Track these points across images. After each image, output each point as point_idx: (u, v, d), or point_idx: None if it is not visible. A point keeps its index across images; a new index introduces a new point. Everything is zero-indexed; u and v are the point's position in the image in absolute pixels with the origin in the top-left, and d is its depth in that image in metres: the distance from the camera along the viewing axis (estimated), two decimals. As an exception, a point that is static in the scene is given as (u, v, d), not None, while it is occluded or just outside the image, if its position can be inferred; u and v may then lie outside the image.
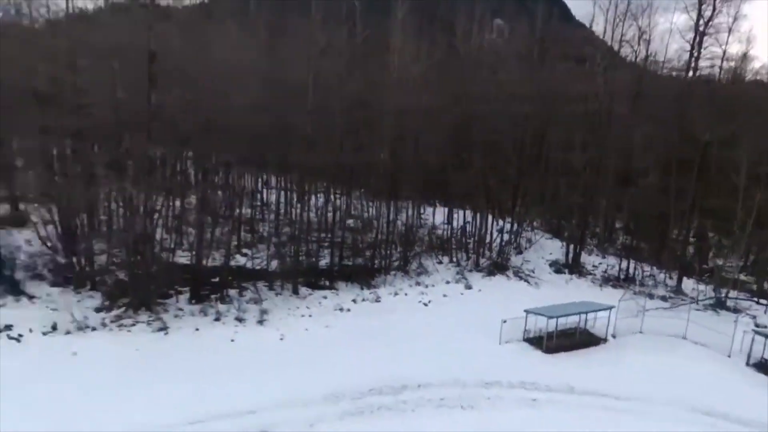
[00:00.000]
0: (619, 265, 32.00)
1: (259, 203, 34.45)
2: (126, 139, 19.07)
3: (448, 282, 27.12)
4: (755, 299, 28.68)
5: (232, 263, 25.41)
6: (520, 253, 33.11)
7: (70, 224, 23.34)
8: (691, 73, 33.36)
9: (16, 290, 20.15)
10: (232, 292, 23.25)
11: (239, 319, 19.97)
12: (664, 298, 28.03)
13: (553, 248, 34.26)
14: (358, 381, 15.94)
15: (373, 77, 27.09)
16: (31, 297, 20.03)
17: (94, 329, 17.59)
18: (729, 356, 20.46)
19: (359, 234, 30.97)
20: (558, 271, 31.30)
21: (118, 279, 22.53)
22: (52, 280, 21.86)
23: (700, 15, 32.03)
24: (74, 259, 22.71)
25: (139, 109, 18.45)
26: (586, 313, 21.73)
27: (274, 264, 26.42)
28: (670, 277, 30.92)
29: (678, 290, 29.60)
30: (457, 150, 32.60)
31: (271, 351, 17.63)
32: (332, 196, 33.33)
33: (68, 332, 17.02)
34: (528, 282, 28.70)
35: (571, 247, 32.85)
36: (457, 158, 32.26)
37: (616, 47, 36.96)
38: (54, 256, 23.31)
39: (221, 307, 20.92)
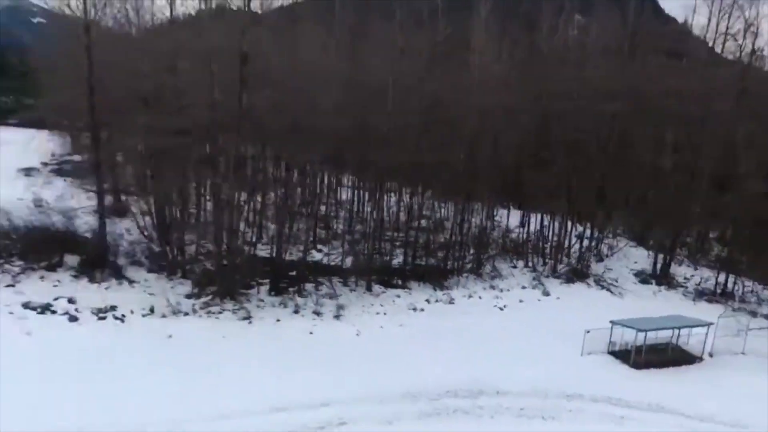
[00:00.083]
0: (716, 278, 29.39)
1: (333, 201, 35.38)
2: (219, 137, 20.14)
3: (524, 287, 26.26)
4: None
5: (308, 258, 26.24)
6: (601, 260, 31.41)
7: (165, 216, 25.18)
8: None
9: (118, 274, 22.00)
10: (309, 286, 23.97)
11: (317, 313, 20.53)
12: (769, 317, 25.45)
13: (638, 257, 32.15)
14: (434, 382, 15.82)
15: (453, 76, 26.77)
16: (131, 281, 21.78)
17: (186, 314, 18.79)
18: None
19: (431, 234, 30.81)
20: (644, 282, 29.30)
21: (205, 268, 24.00)
22: (149, 266, 23.66)
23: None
24: (167, 248, 24.48)
25: (232, 110, 19.43)
26: (680, 328, 20.15)
27: (348, 261, 26.96)
28: (776, 294, 28.02)
29: (786, 309, 26.76)
30: (537, 150, 31.48)
31: (348, 346, 17.93)
32: (406, 196, 33.47)
33: (164, 315, 18.30)
34: (611, 291, 27.14)
35: (660, 256, 30.62)
36: (537, 159, 31.15)
37: (719, 41, 34.01)
38: (150, 244, 25.24)
39: (299, 300, 21.61)
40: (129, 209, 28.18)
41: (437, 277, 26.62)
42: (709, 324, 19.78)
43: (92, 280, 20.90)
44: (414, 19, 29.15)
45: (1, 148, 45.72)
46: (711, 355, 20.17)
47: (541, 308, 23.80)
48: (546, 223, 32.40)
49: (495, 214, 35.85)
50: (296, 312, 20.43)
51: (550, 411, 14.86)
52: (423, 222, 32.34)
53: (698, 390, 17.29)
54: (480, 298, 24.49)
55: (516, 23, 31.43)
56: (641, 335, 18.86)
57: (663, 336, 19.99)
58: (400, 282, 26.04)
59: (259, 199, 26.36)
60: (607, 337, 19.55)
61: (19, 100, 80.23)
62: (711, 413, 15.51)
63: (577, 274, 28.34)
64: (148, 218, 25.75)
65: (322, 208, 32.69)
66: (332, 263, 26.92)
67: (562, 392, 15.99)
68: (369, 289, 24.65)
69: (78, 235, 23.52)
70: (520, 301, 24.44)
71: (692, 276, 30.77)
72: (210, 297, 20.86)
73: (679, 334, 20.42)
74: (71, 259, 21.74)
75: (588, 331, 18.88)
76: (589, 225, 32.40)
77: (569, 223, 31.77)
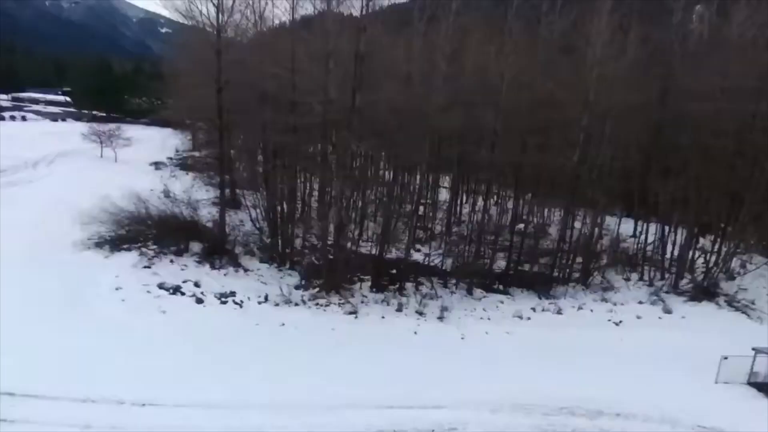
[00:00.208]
0: None
1: (430, 201, 35.18)
2: (332, 135, 20.76)
3: (640, 302, 24.05)
4: None
5: (408, 258, 26.23)
6: (733, 278, 27.89)
7: (275, 209, 26.56)
8: None
9: (235, 263, 23.55)
10: (409, 285, 23.95)
11: (420, 313, 20.40)
12: None
13: (780, 278, 28.08)
14: (546, 396, 14.89)
15: (569, 74, 25.28)
16: (246, 269, 23.21)
17: (296, 305, 19.58)
18: None
19: (535, 239, 29.42)
20: (788, 307, 25.49)
21: (311, 262, 24.95)
22: (260, 256, 25.11)
23: None
24: (277, 241, 25.78)
25: (345, 108, 19.91)
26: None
27: (449, 262, 26.56)
28: None
29: None
30: (661, 154, 28.75)
31: (453, 349, 17.55)
32: (510, 198, 32.35)
33: (277, 304, 19.22)
34: (747, 315, 23.95)
35: (809, 278, 26.52)
36: (660, 163, 28.46)
37: None
38: (261, 236, 26.77)
39: (402, 298, 21.63)
40: (242, 202, 30.23)
41: (541, 284, 25.33)
42: None
43: (213, 266, 22.59)
44: (529, 12, 27.96)
45: (136, 145, 51.66)
46: None
47: (662, 327, 21.58)
48: (665, 233, 29.52)
49: (604, 221, 33.48)
50: (399, 310, 20.44)
51: (682, 443, 13.35)
52: (524, 226, 31.07)
53: None
54: (591, 311, 22.82)
55: (641, 15, 28.82)
56: (793, 368, 16.35)
57: (820, 370, 17.16)
58: (501, 287, 25.19)
59: (363, 196, 26.86)
60: (747, 365, 17.19)
61: (150, 101, 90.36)
62: None
63: (704, 292, 25.34)
64: (259, 211, 27.40)
65: (422, 207, 32.64)
66: (431, 264, 26.71)
67: (694, 423, 14.28)
68: (470, 292, 24.07)
69: (201, 224, 25.60)
70: (638, 317, 22.39)
71: None
72: (317, 290, 21.59)
73: (841, 371, 17.40)
74: (195, 246, 23.68)
75: (725, 357, 16.74)
76: (717, 238, 28.97)
77: (694, 235, 28.61)
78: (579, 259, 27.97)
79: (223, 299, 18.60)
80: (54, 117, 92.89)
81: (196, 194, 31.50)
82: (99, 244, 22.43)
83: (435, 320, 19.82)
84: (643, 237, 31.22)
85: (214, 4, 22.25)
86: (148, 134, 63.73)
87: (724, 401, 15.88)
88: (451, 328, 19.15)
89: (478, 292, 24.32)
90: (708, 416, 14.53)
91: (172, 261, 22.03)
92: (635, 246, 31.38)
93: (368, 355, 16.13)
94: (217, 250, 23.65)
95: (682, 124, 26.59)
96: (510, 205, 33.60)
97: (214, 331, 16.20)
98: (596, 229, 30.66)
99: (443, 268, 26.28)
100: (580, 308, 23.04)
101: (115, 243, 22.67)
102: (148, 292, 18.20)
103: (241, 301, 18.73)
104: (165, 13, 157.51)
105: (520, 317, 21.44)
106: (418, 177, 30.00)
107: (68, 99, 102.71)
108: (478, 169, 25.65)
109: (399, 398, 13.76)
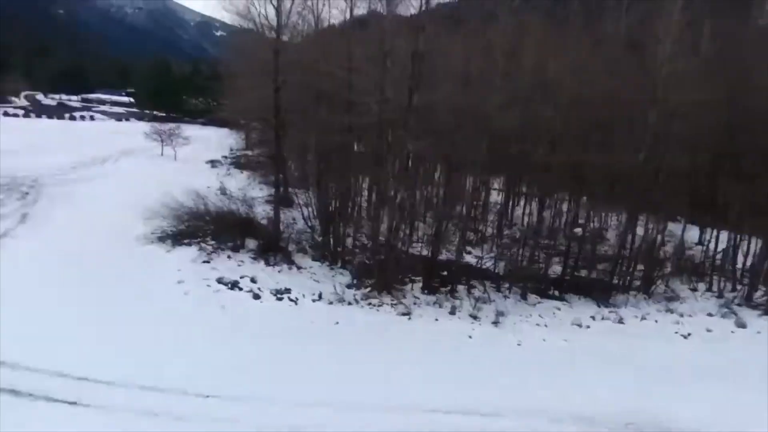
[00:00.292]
0: None
1: (481, 202, 34.52)
2: (387, 134, 20.68)
3: (710, 314, 22.55)
4: None
5: (459, 260, 25.79)
6: (814, 292, 25.68)
7: (327, 208, 26.82)
8: None
9: (288, 260, 23.94)
10: (460, 288, 23.54)
11: (474, 317, 19.96)
12: None
13: None
14: (610, 410, 14.10)
15: (634, 71, 24.08)
16: (299, 267, 23.53)
17: (349, 304, 19.62)
18: None
19: (591, 244, 28.26)
20: None
21: (362, 261, 24.99)
22: (312, 254, 25.41)
23: None
24: (329, 239, 26.03)
25: (401, 107, 19.77)
26: None
27: (501, 265, 25.94)
28: None
29: None
30: (732, 156, 26.92)
31: (509, 355, 17.03)
32: (565, 201, 31.29)
33: (330, 302, 19.32)
34: (831, 332, 21.96)
35: None
36: (731, 167, 26.64)
37: None
38: (313, 234, 27.10)
39: (455, 301, 21.26)
40: (294, 200, 30.74)
41: (600, 292, 24.28)
42: None
43: (267, 263, 23.05)
44: (590, 8, 26.88)
45: (193, 143, 53.79)
46: None
47: (736, 341, 20.13)
48: (736, 241, 27.61)
49: (665, 226, 31.75)
50: (452, 313, 20.09)
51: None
52: (580, 230, 29.93)
53: None
54: (656, 321, 21.61)
55: (713, 10, 27.09)
56: None
57: None
58: (556, 293, 24.35)
59: (417, 196, 26.65)
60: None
61: (207, 102, 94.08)
62: None
63: (783, 306, 23.51)
64: (311, 210, 27.75)
65: (471, 209, 32.04)
66: (483, 266, 26.17)
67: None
68: (524, 297, 23.39)
69: (256, 221, 26.22)
70: (708, 330, 20.97)
71: None
72: (368, 289, 21.56)
73: None
74: (250, 243, 24.26)
75: (815, 379, 15.36)
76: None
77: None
78: (640, 267, 26.71)
79: (278, 296, 18.90)
80: (118, 117, 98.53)
81: (251, 192, 32.38)
82: (161, 239, 23.37)
83: (489, 325, 19.32)
84: (711, 245, 29.39)
85: (273, 6, 22.71)
86: (204, 133, 66.24)
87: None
88: (506, 334, 18.60)
89: (532, 297, 23.63)
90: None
91: (229, 257, 22.64)
92: (702, 254, 29.60)
93: (423, 357, 15.89)
94: (272, 247, 24.12)
95: (758, 123, 24.76)
96: (565, 207, 32.50)
97: (271, 326, 16.46)
98: (659, 236, 29.12)
99: (496, 271, 25.72)
100: (643, 318, 21.86)
101: (176, 237, 23.55)
102: (208, 286, 18.74)
103: (296, 299, 18.95)
104: (220, 16, 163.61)
105: (579, 325, 20.57)
106: (470, 178, 29.49)
107: (131, 100, 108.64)
108: (534, 169, 24.84)
109: (457, 403, 13.41)
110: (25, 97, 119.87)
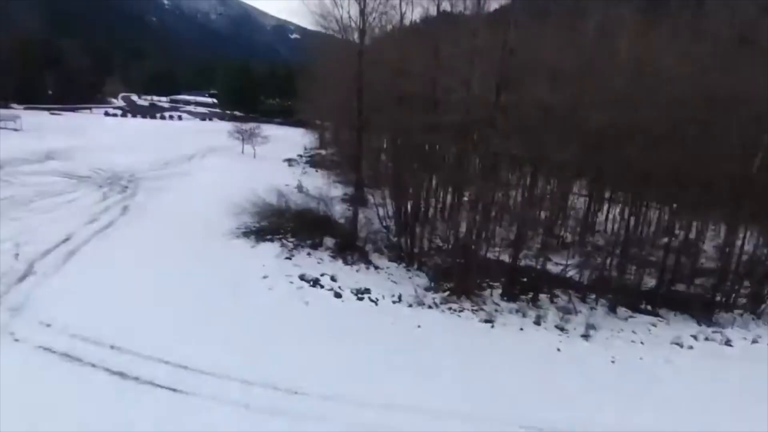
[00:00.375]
0: None
1: (563, 207, 32.77)
2: (474, 135, 20.03)
3: (838, 341, 19.87)
4: None
5: (540, 267, 24.58)
6: None
7: (405, 209, 26.53)
8: None
9: (366, 259, 23.91)
10: (542, 296, 22.39)
11: (560, 328, 18.83)
12: None
13: None
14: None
15: (750, 67, 21.67)
16: (376, 267, 23.42)
17: (429, 307, 19.18)
18: None
19: (691, 256, 25.91)
20: None
21: (439, 264, 24.46)
22: (389, 255, 25.23)
23: None
24: (406, 240, 25.72)
25: (488, 106, 19.04)
26: None
27: (586, 274, 24.40)
28: None
29: None
30: None
31: (602, 373, 15.81)
32: (657, 208, 29.00)
33: (410, 305, 18.99)
34: None
35: None
36: None
37: None
38: (388, 234, 26.93)
39: (539, 310, 20.22)
40: (369, 200, 30.77)
41: (700, 309, 22.13)
42: None
43: (345, 261, 23.14)
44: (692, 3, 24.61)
45: (271, 142, 55.77)
46: None
47: None
48: None
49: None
50: (537, 323, 19.07)
51: None
52: (678, 241, 27.52)
53: None
54: (769, 345, 19.35)
55: None
56: None
57: None
58: (649, 308, 22.50)
59: (497, 198, 25.73)
60: None
61: (283, 102, 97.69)
62: None
63: None
64: (387, 210, 27.60)
65: (548, 213, 30.52)
66: (566, 275, 24.75)
67: None
68: (613, 310, 21.78)
69: (334, 220, 26.48)
70: (834, 358, 18.44)
71: None
72: (447, 293, 21.02)
73: None
74: (329, 241, 24.51)
75: None
76: None
77: None
78: (746, 283, 24.10)
79: (359, 295, 18.84)
80: (202, 117, 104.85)
81: (328, 191, 32.84)
82: (246, 234, 24.18)
83: (578, 338, 18.12)
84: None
85: (359, 6, 22.71)
86: (281, 133, 68.67)
87: None
88: (598, 349, 17.34)
89: (622, 310, 21.96)
90: None
91: (309, 254, 22.98)
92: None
93: (510, 369, 15.13)
94: (349, 246, 24.23)
95: None
96: (654, 215, 30.15)
97: (353, 326, 16.40)
98: (766, 249, 26.17)
99: (580, 280, 24.23)
100: (754, 341, 19.63)
101: (259, 234, 24.28)
102: (291, 282, 19.06)
103: (377, 299, 18.80)
104: (296, 20, 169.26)
105: (680, 345, 18.78)
106: (554, 181, 28.05)
107: (214, 100, 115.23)
108: (629, 172, 23.09)
109: (548, 420, 12.65)
110: (122, 98, 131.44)
